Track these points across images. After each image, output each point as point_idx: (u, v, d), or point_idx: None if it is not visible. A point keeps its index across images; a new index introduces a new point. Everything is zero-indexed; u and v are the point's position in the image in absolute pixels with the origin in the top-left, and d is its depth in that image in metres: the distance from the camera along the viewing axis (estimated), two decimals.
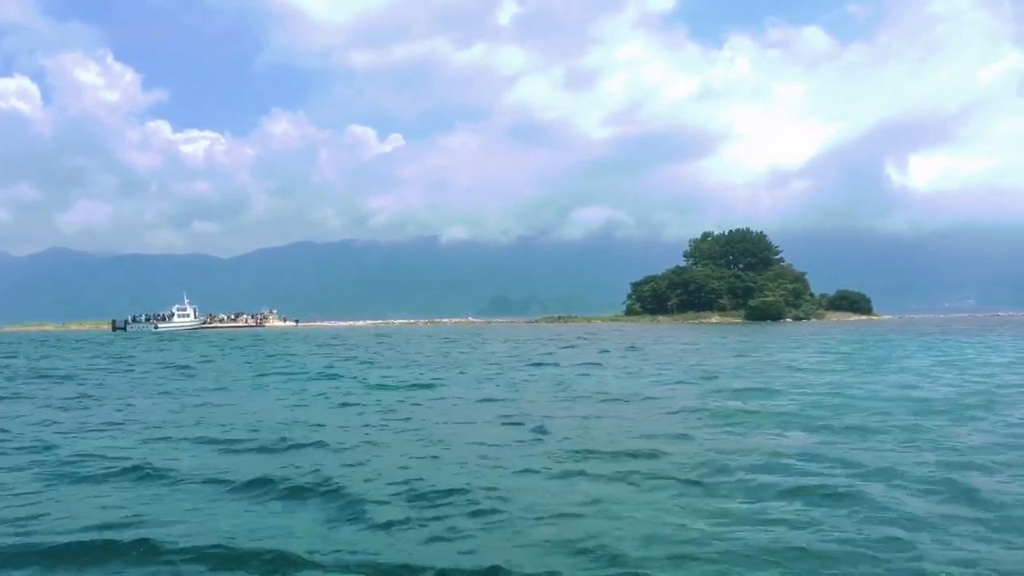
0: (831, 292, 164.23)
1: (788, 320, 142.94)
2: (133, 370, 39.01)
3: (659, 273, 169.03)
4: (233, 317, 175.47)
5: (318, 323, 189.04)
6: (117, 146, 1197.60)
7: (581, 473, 11.98)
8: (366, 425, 17.74)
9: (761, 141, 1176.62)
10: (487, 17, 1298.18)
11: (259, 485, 11.46)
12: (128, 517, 9.93)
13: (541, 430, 16.14)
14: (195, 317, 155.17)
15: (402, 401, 22.47)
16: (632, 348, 52.39)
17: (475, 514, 9.69)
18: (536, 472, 12.12)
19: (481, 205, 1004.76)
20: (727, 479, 11.49)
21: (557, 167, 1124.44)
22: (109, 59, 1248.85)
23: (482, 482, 11.35)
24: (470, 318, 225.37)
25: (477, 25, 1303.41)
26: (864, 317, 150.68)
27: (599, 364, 37.21)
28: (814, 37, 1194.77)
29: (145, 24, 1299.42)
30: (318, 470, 12.26)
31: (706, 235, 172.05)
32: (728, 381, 27.01)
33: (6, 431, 17.56)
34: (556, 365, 36.47)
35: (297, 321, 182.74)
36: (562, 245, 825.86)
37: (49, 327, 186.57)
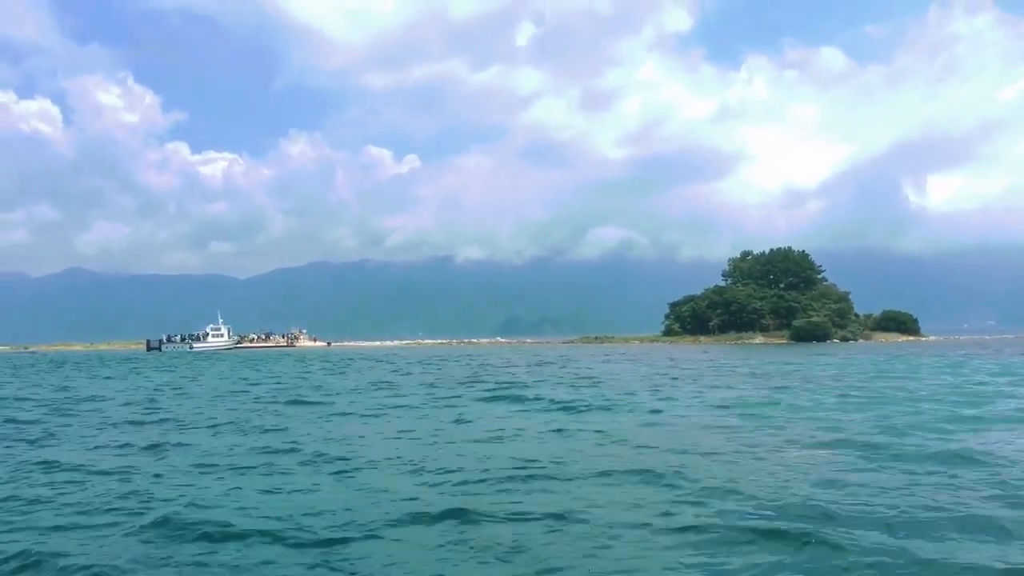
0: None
1: (835, 341, 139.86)
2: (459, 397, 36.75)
3: (697, 293, 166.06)
4: (264, 337, 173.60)
5: (349, 343, 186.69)
6: (136, 167, 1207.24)
7: None
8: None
9: (776, 161, 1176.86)
10: (504, 38, 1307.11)
11: None
12: None
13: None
14: (229, 337, 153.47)
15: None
16: (765, 374, 49.83)
17: None
18: None
19: (495, 225, 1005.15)
20: None
21: (572, 187, 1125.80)
22: (129, 81, 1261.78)
23: None
24: (499, 339, 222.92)
25: (494, 46, 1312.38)
26: (912, 338, 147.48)
27: (784, 387, 34.80)
28: (831, 58, 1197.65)
29: (165, 46, 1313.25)
30: None
31: (745, 254, 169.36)
32: None
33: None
34: (730, 387, 34.34)
35: (330, 343, 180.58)
36: (576, 265, 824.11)
37: (78, 347, 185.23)
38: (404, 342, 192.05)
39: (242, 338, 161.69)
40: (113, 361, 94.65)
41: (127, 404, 32.47)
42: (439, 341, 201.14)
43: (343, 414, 26.47)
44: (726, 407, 26.08)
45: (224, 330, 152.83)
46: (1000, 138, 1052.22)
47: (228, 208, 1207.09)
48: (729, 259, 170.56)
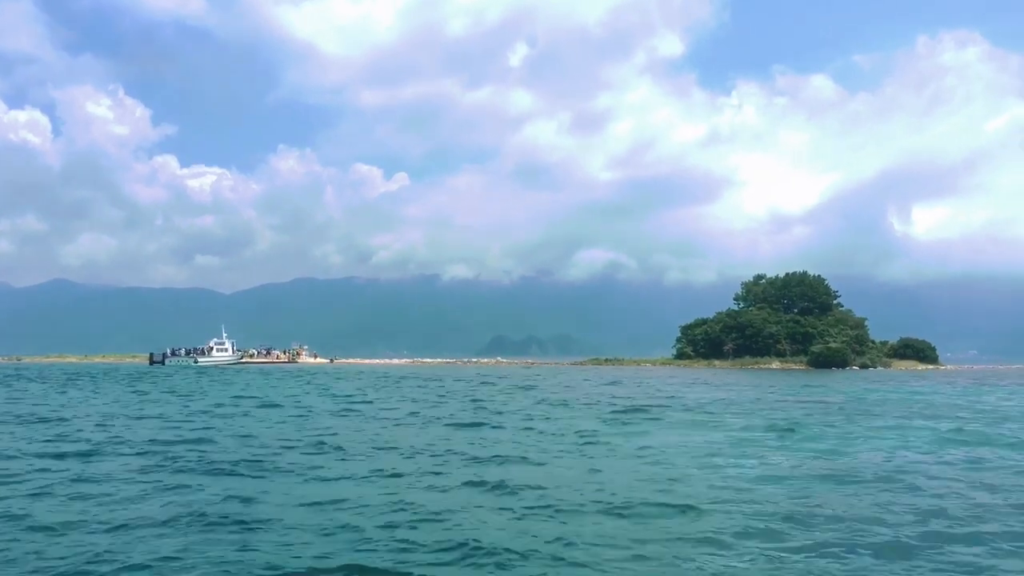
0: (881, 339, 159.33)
1: (855, 368, 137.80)
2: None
3: (710, 316, 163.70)
4: (265, 352, 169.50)
5: (351, 360, 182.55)
6: (124, 179, 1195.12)
7: None
8: None
9: (764, 187, 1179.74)
10: (498, 59, 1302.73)
11: None
12: None
13: None
14: (233, 352, 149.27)
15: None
16: (841, 406, 47.11)
17: None
18: None
19: (484, 245, 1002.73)
20: None
21: (561, 209, 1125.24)
22: (120, 93, 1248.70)
23: None
24: (500, 359, 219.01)
25: (487, 67, 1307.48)
26: (931, 367, 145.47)
27: (900, 426, 31.93)
28: (821, 86, 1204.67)
29: (157, 59, 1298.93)
30: None
31: (758, 277, 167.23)
32: None
33: None
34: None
35: (332, 359, 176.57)
36: (563, 286, 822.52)
37: (72, 358, 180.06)
38: (406, 360, 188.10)
39: (244, 353, 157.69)
40: (139, 375, 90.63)
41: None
42: (441, 360, 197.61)
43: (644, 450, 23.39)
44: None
45: (228, 344, 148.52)
46: (985, 170, 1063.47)
47: (215, 222, 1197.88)
48: (742, 283, 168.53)
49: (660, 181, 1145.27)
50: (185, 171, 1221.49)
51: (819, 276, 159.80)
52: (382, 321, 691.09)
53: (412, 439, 24.75)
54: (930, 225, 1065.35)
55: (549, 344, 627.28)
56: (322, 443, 23.88)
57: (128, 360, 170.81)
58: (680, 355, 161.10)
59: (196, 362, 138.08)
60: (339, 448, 22.91)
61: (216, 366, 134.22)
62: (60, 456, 21.32)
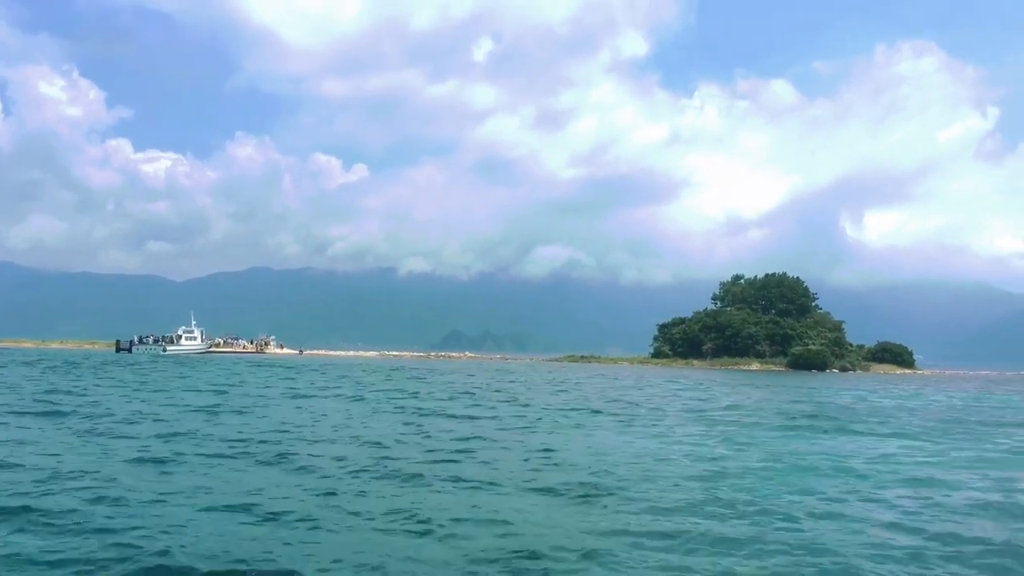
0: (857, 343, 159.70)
1: (835, 371, 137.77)
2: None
3: (689, 315, 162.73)
4: (230, 342, 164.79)
5: (320, 352, 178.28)
6: (76, 162, 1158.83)
7: None
8: None
9: (722, 190, 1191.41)
10: (462, 53, 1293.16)
11: None
12: None
13: None
14: (202, 340, 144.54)
15: None
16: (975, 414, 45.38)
17: None
18: None
19: (442, 239, 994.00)
20: None
21: (521, 205, 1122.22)
22: (75, 74, 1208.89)
23: None
24: (467, 353, 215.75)
25: (452, 60, 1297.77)
26: (909, 371, 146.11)
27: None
28: (781, 90, 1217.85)
29: (114, 41, 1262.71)
30: None
31: (736, 278, 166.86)
32: None
33: None
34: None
35: (301, 350, 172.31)
36: (520, 283, 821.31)
37: (27, 344, 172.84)
38: (373, 353, 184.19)
39: (212, 342, 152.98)
40: (125, 364, 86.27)
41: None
42: (411, 354, 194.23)
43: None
44: None
45: (197, 333, 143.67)
46: (937, 178, 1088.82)
47: (169, 208, 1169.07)
48: (720, 282, 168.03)
49: (620, 180, 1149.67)
50: (139, 155, 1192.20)
51: (797, 278, 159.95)
52: (337, 313, 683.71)
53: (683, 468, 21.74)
54: (882, 231, 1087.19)
55: (505, 340, 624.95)
56: (548, 450, 21.14)
57: (88, 347, 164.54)
58: (657, 354, 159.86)
59: (165, 351, 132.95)
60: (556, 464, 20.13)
61: (186, 355, 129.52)
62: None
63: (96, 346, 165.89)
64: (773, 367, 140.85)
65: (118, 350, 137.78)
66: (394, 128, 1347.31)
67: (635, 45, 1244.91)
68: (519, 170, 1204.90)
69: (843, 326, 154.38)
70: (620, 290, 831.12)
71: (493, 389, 49.62)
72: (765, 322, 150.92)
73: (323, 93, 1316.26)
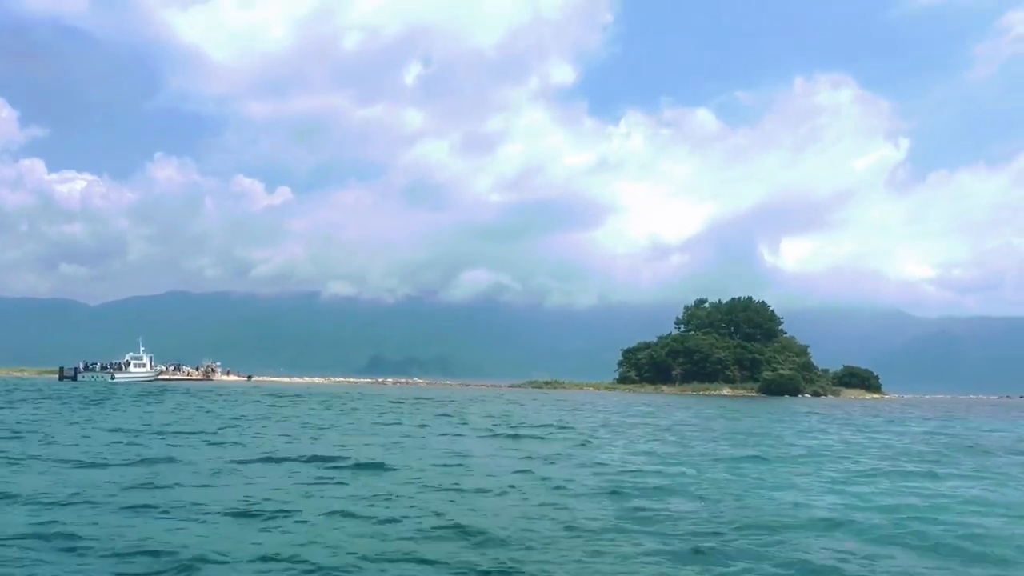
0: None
1: (807, 396, 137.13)
2: None
3: (653, 339, 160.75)
4: (174, 368, 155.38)
5: (270, 378, 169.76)
6: None
7: None
8: None
9: (646, 216, 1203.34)
10: (392, 76, 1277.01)
11: None
12: None
13: None
14: (151, 367, 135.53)
15: None
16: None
17: None
18: None
19: (368, 263, 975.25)
20: None
21: (448, 229, 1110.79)
22: None
23: None
24: (415, 379, 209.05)
25: (381, 83, 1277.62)
26: (877, 395, 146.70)
27: None
28: (705, 119, 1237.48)
29: (29, 58, 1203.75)
30: None
31: (700, 302, 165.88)
32: None
33: None
34: None
35: (250, 376, 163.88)
36: (446, 307, 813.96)
37: None
38: (333, 380, 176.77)
39: (162, 369, 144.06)
40: (93, 397, 78.32)
41: None
42: (359, 380, 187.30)
43: None
44: None
45: (146, 359, 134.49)
46: (851, 206, 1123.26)
47: (84, 230, 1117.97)
48: (685, 306, 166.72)
49: (547, 205, 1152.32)
50: (54, 176, 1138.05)
51: (762, 302, 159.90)
52: (257, 337, 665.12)
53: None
54: (798, 257, 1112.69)
55: (430, 365, 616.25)
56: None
57: (18, 374, 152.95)
58: (623, 379, 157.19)
59: (113, 378, 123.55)
60: None
61: (134, 382, 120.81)
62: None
63: (25, 373, 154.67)
64: (745, 392, 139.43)
65: (61, 378, 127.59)
66: (321, 151, 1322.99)
67: (563, 72, 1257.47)
68: (447, 194, 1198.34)
69: (808, 350, 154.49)
70: (546, 314, 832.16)
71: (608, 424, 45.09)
72: (733, 346, 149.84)
73: (248, 114, 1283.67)
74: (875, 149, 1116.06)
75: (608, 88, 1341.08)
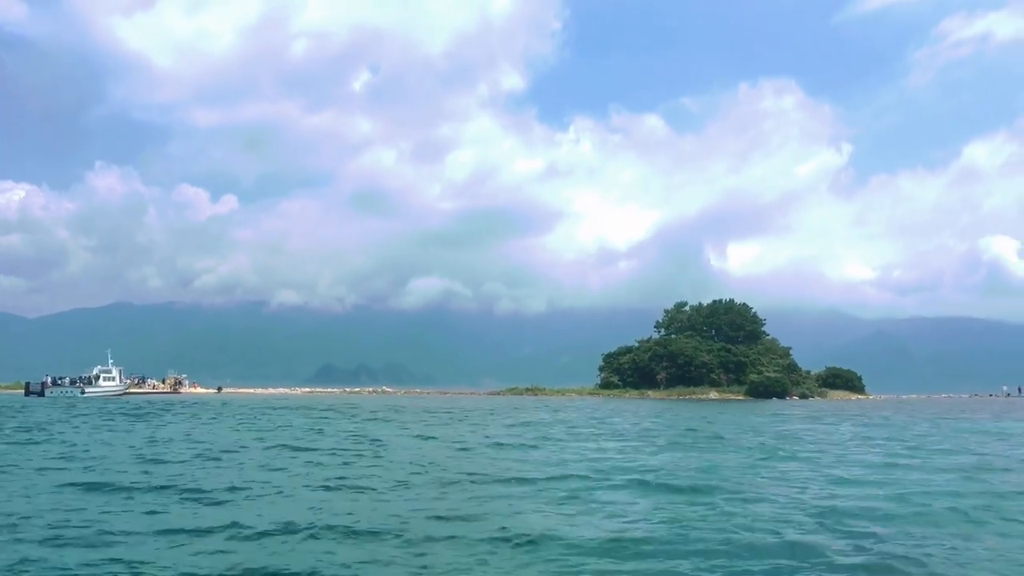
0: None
1: (794, 397, 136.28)
2: None
3: (634, 344, 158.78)
4: (137, 382, 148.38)
5: (240, 390, 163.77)
6: None
7: None
8: None
9: (594, 221, 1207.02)
10: (340, 84, 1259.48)
11: None
12: None
13: None
14: (121, 381, 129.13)
15: None
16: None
17: None
18: None
19: (316, 271, 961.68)
20: None
21: (397, 237, 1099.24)
22: None
23: None
24: (384, 388, 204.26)
25: (329, 91, 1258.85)
26: (862, 396, 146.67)
27: None
28: (653, 125, 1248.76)
29: None
30: None
31: (679, 305, 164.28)
32: None
33: None
34: None
35: (220, 388, 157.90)
36: (396, 315, 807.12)
37: None
38: (309, 390, 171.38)
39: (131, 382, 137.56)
40: (61, 409, 72.91)
41: None
42: (331, 390, 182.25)
43: None
44: None
45: (116, 372, 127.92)
46: (794, 210, 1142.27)
47: (22, 241, 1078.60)
48: (665, 310, 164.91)
49: (497, 212, 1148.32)
50: None
51: (745, 304, 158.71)
52: (203, 348, 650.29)
53: None
54: (744, 260, 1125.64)
55: (380, 373, 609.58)
56: None
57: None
58: (606, 384, 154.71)
59: (83, 392, 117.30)
60: None
61: (104, 397, 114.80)
62: None
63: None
64: (732, 396, 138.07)
65: (27, 393, 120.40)
66: (268, 159, 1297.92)
67: (512, 80, 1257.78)
68: (396, 201, 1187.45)
69: (791, 352, 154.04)
70: (495, 320, 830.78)
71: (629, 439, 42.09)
72: (717, 349, 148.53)
73: (194, 122, 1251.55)
74: (818, 154, 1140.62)
75: (557, 95, 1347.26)
